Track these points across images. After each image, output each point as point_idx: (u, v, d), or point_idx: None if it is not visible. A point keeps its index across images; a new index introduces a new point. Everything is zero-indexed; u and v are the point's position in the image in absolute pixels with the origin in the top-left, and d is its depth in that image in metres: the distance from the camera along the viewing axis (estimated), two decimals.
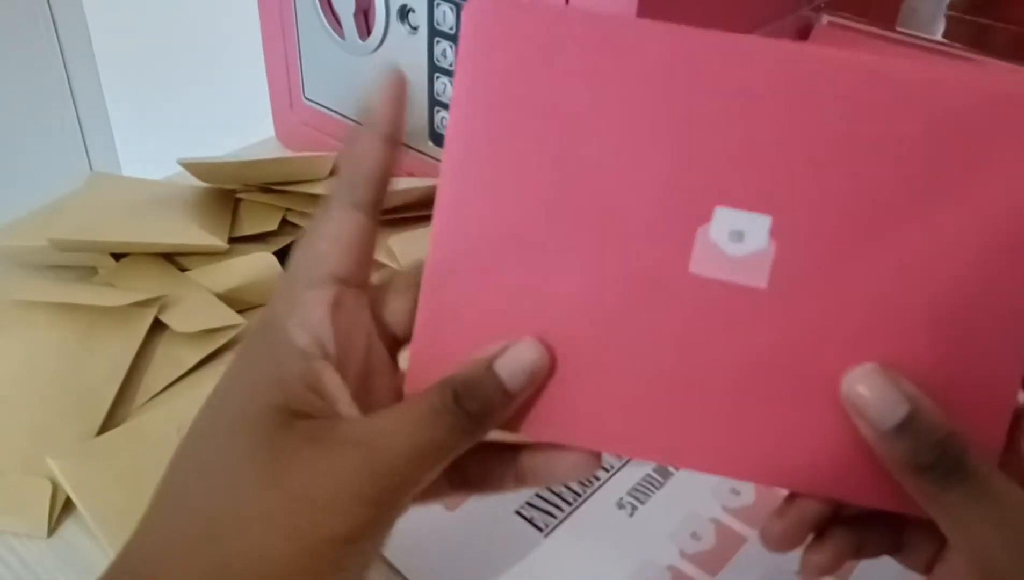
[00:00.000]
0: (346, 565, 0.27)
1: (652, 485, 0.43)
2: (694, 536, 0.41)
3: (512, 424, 0.30)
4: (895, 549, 0.32)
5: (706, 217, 0.28)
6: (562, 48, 0.28)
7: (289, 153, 0.71)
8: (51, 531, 0.42)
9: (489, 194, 0.29)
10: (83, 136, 1.34)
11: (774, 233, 0.28)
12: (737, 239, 0.28)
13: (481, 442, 0.31)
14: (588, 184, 0.29)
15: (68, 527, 0.42)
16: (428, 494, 0.31)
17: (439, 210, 0.30)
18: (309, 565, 0.26)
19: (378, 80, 0.30)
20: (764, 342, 0.29)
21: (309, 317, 0.29)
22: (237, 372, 0.29)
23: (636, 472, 0.44)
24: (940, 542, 0.31)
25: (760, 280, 0.28)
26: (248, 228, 0.57)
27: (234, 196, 0.60)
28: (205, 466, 0.28)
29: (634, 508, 0.42)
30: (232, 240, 0.56)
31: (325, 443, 0.27)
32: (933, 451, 0.26)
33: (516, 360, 0.29)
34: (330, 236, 0.30)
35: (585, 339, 0.30)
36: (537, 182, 0.29)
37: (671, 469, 0.44)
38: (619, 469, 0.44)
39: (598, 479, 0.43)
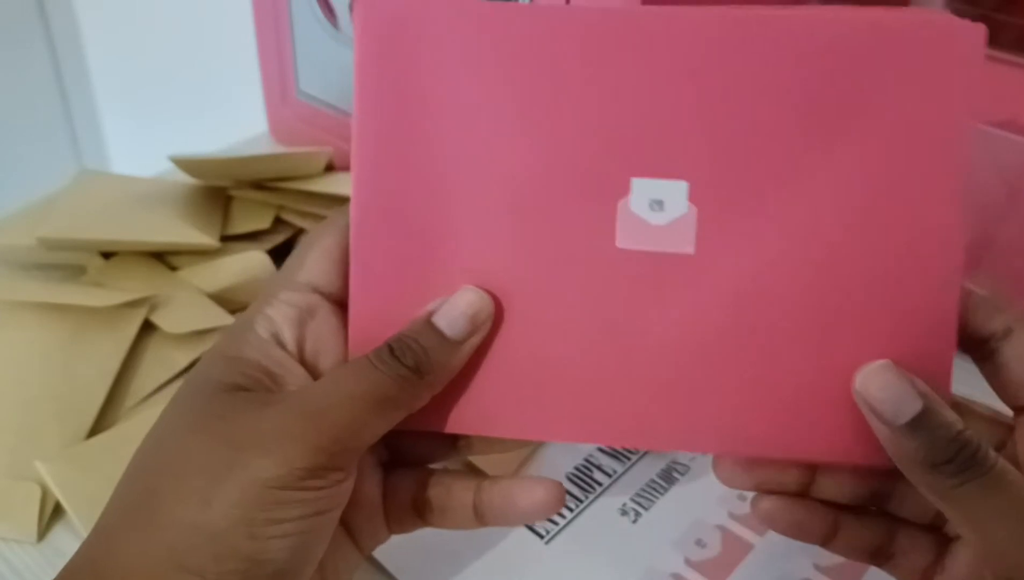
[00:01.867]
0: (281, 517, 0.27)
1: (656, 491, 0.42)
2: (699, 543, 0.40)
3: (444, 419, 0.30)
4: (884, 557, 0.31)
5: (624, 190, 0.29)
6: (453, 34, 0.29)
7: (282, 149, 0.70)
8: (41, 536, 0.41)
9: (404, 188, 0.30)
10: (73, 132, 1.33)
11: (692, 197, 0.28)
12: (658, 208, 0.28)
13: (447, 471, 0.32)
14: (500, 172, 0.29)
15: (58, 532, 0.41)
16: (395, 525, 0.33)
17: (354, 219, 0.30)
18: (239, 511, 0.26)
19: None
20: (702, 307, 0.29)
21: (275, 313, 0.30)
22: (203, 358, 0.31)
23: (640, 477, 0.43)
24: (935, 552, 0.31)
25: (687, 246, 0.29)
26: (240, 226, 0.56)
27: (226, 193, 0.59)
28: (150, 439, 0.29)
29: (637, 515, 0.41)
30: (224, 238, 0.55)
31: (261, 402, 0.28)
32: (949, 447, 0.26)
33: (453, 306, 0.29)
34: (321, 249, 0.31)
35: (514, 329, 0.30)
36: (449, 171, 0.29)
37: (676, 474, 0.43)
38: (622, 474, 0.43)
39: (600, 484, 0.42)
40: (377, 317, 0.30)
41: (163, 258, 0.54)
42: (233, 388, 0.28)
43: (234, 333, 0.30)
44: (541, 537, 0.40)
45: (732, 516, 0.41)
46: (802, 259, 0.28)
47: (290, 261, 0.32)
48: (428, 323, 0.29)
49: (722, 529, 0.41)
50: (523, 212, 0.29)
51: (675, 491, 0.42)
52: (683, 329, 0.29)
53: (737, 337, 0.29)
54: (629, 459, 0.44)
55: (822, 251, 0.28)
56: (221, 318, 0.49)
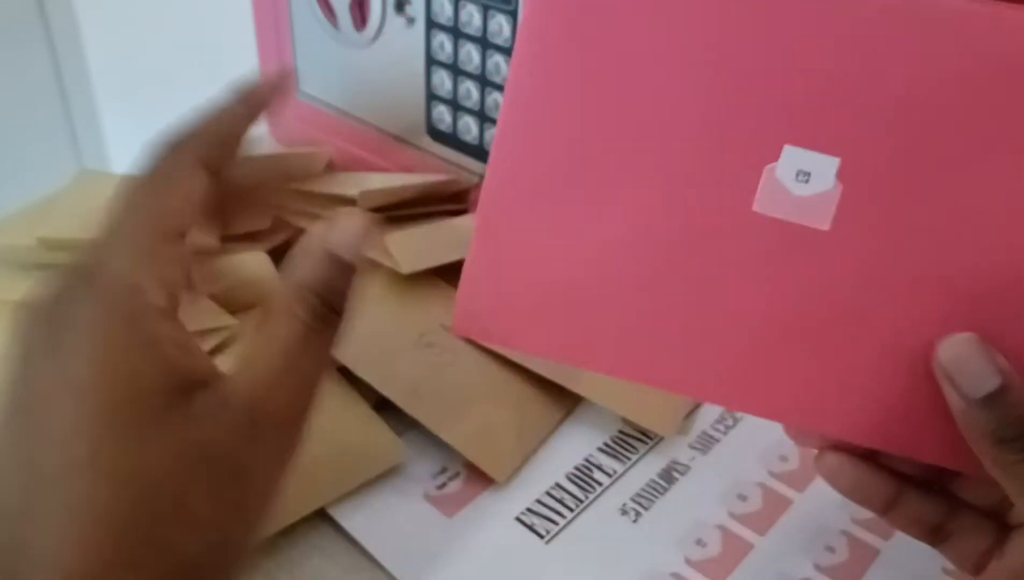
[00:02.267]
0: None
1: (656, 491, 0.42)
2: (699, 543, 0.40)
3: (562, 352, 0.31)
4: (942, 537, 0.32)
5: (774, 156, 0.28)
6: None
7: (282, 149, 0.70)
8: None
9: (551, 124, 0.30)
10: (73, 132, 1.33)
11: (841, 175, 0.28)
12: (803, 179, 0.28)
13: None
14: (654, 117, 0.29)
15: None
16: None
17: (498, 139, 0.30)
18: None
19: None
20: (821, 285, 0.29)
21: (167, 274, 0.28)
22: (100, 335, 0.26)
23: (640, 477, 0.43)
24: (994, 538, 0.31)
25: (823, 222, 0.28)
26: (240, 226, 0.56)
27: None
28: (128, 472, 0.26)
29: (638, 514, 0.41)
30: (224, 238, 0.55)
31: (228, 423, 0.27)
32: (1020, 424, 0.27)
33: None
34: (182, 193, 0.29)
35: (636, 272, 0.30)
36: (601, 111, 0.29)
37: (676, 474, 0.43)
38: (622, 474, 0.43)
39: (600, 484, 0.42)
40: (484, 290, 0.31)
41: None
42: (181, 390, 0.27)
43: (121, 313, 0.27)
44: (541, 537, 0.40)
45: (732, 516, 0.41)
46: (936, 257, 0.28)
47: (146, 207, 0.29)
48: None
49: (722, 529, 0.41)
50: (671, 163, 0.29)
51: (675, 491, 0.42)
52: (801, 300, 0.29)
53: (852, 319, 0.29)
54: (629, 459, 0.44)
55: (959, 252, 0.28)
56: (221, 318, 0.49)
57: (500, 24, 0.51)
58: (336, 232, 0.29)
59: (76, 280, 0.27)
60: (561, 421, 0.46)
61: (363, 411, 0.44)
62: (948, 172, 0.28)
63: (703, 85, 0.29)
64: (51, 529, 0.24)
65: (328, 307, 0.29)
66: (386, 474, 0.42)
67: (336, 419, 0.43)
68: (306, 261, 0.29)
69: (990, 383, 0.27)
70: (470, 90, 0.55)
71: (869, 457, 0.32)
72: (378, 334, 0.48)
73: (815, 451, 0.33)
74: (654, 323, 0.31)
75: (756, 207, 0.29)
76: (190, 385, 0.27)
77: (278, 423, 0.29)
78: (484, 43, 0.53)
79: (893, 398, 0.29)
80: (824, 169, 0.28)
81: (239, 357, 0.29)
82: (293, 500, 0.39)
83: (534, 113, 0.30)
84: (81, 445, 0.25)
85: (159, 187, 0.29)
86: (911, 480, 0.32)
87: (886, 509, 0.32)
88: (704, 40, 0.29)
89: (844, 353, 0.29)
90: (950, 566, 0.34)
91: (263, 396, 0.28)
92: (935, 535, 0.32)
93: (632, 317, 0.31)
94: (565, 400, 0.46)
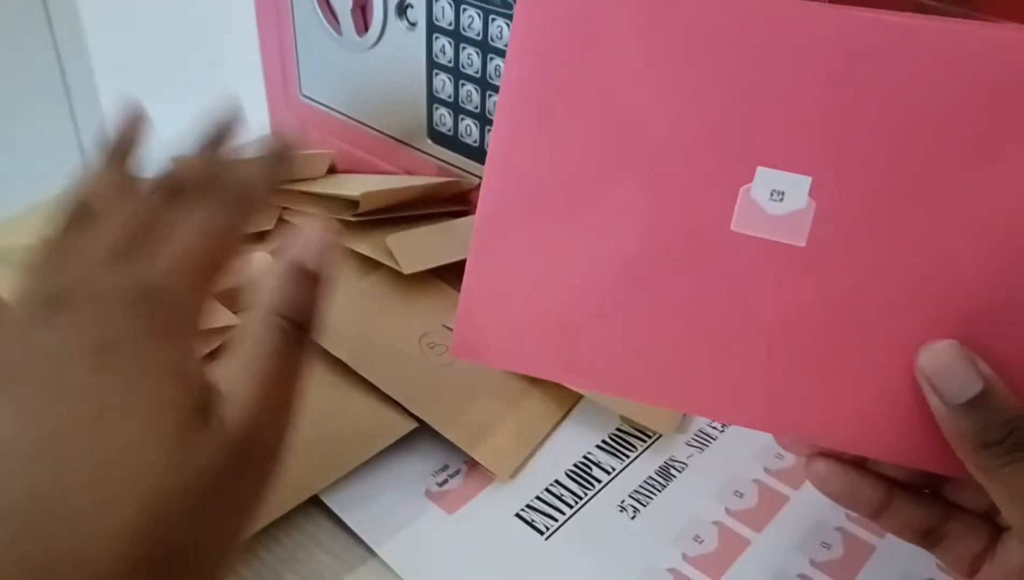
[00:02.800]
0: None
1: (654, 487, 0.43)
2: (697, 539, 0.40)
3: (560, 373, 0.33)
4: (934, 540, 0.32)
5: (748, 177, 0.29)
6: (612, 7, 0.30)
7: None
8: None
9: (538, 150, 0.31)
10: (77, 134, 1.33)
11: (813, 193, 0.29)
12: (777, 198, 0.29)
13: None
14: (635, 142, 0.30)
15: None
16: None
17: (489, 166, 0.31)
18: None
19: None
20: (801, 299, 0.30)
21: (205, 291, 0.31)
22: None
23: (638, 474, 0.43)
24: (986, 541, 0.31)
25: (799, 239, 0.29)
26: None
27: None
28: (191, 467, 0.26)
29: (636, 511, 0.42)
30: None
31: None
32: (1002, 428, 0.27)
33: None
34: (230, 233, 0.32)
35: (625, 292, 0.31)
36: (585, 138, 0.30)
37: (673, 471, 0.44)
38: (620, 471, 0.44)
39: (599, 481, 0.43)
40: (482, 309, 0.32)
41: None
42: (198, 411, 0.27)
43: (169, 318, 0.28)
44: (541, 534, 0.40)
45: (729, 512, 0.42)
46: (919, 267, 0.29)
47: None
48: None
49: (719, 525, 0.41)
50: (647, 184, 0.30)
51: (673, 488, 0.43)
52: (782, 316, 0.30)
53: (837, 330, 0.30)
54: (627, 456, 0.44)
55: (933, 267, 0.29)
56: (226, 318, 0.49)
57: (500, 28, 0.52)
58: (296, 246, 0.29)
59: (127, 293, 0.28)
60: (561, 419, 0.46)
61: (369, 391, 0.45)
62: (928, 185, 0.28)
63: (682, 109, 0.30)
64: (88, 527, 0.24)
65: (296, 326, 0.29)
66: (387, 472, 0.42)
67: (345, 397, 0.45)
68: (271, 282, 0.29)
69: (971, 388, 0.27)
70: (471, 93, 0.56)
71: (858, 463, 0.32)
72: (380, 334, 0.49)
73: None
74: (645, 341, 0.31)
75: (733, 226, 0.30)
76: (204, 406, 0.27)
77: (264, 457, 0.29)
78: (485, 47, 0.53)
79: (880, 406, 0.30)
80: (797, 188, 0.29)
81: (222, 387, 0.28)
82: (319, 467, 0.40)
83: (523, 139, 0.31)
84: (128, 453, 0.25)
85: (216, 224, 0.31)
86: (901, 485, 0.32)
87: (877, 514, 0.32)
88: (682, 66, 0.29)
89: (830, 363, 0.30)
90: None
91: (250, 432, 0.28)
92: (928, 538, 0.32)
93: (624, 336, 0.31)
94: (565, 398, 0.47)
